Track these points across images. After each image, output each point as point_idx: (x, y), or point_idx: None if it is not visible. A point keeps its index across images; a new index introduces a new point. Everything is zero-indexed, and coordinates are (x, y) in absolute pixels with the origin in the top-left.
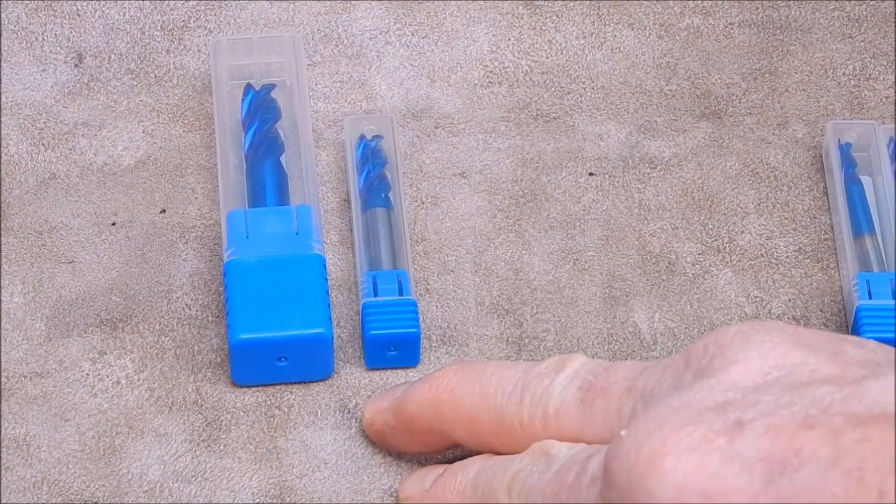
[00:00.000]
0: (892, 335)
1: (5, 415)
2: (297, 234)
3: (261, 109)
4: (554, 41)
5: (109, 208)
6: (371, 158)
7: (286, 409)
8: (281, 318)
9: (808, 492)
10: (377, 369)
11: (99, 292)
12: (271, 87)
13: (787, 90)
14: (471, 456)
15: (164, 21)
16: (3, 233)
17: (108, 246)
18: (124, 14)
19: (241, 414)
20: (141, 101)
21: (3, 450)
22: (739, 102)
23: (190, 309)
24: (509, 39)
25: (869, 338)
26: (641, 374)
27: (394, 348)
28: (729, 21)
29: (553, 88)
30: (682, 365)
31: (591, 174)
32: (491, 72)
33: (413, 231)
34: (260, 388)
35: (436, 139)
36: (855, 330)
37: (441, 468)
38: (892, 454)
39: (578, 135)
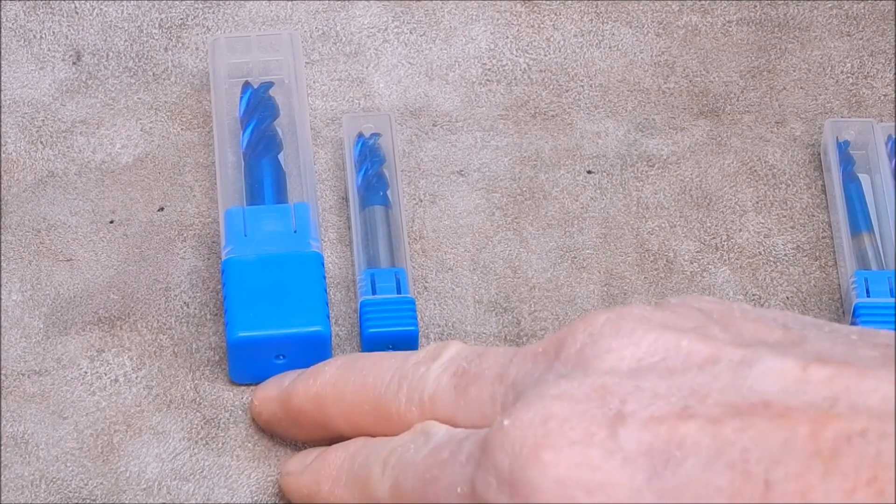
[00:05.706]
0: None
1: (3, 413)
2: (295, 231)
3: (259, 107)
4: (552, 39)
5: (107, 206)
6: (369, 156)
7: None
8: (279, 315)
9: (691, 485)
10: None
11: (97, 290)
12: (269, 84)
13: (785, 88)
14: None
15: (162, 19)
16: (1, 231)
17: (106, 244)
18: (122, 12)
19: (240, 412)
20: (139, 98)
21: (2, 448)
22: (737, 100)
23: (188, 307)
24: (507, 37)
25: None
26: (512, 361)
27: (392, 346)
28: (727, 19)
29: (551, 86)
30: (552, 352)
31: (589, 172)
32: (489, 70)
33: (411, 229)
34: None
35: (434, 137)
36: None
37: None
38: (773, 442)
39: (576, 133)
